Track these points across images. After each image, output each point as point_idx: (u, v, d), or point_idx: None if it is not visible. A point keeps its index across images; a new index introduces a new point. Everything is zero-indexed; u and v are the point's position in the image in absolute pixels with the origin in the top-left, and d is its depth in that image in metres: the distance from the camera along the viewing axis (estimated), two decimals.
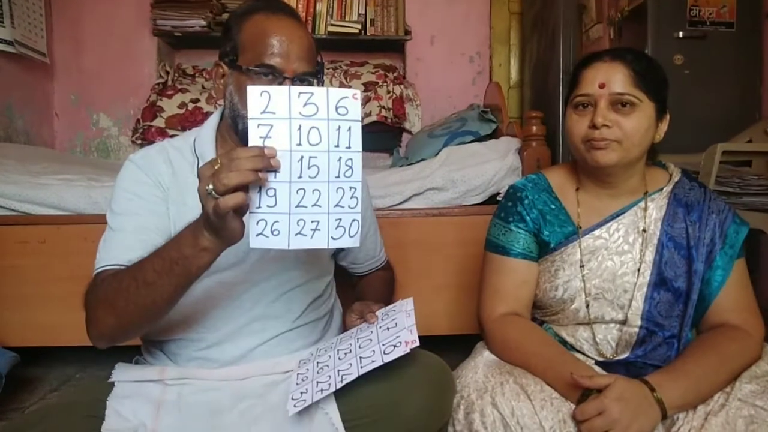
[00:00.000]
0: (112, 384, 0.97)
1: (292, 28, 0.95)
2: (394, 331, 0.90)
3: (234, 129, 0.98)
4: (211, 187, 0.71)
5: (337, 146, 0.76)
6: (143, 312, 0.84)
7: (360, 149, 0.78)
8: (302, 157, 0.75)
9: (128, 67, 2.87)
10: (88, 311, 0.89)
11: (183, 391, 0.95)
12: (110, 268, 0.90)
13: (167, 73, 2.77)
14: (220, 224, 0.74)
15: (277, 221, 0.75)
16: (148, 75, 2.84)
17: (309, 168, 0.76)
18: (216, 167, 0.72)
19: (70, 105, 2.86)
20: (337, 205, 0.77)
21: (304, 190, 0.76)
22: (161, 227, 0.95)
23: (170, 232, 0.95)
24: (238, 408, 0.93)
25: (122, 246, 0.91)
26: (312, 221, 0.76)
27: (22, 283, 1.62)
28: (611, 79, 0.95)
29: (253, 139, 0.74)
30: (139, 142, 2.60)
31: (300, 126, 0.75)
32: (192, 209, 0.96)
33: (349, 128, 0.77)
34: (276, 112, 0.75)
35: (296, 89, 0.75)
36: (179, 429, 0.90)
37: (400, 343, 0.86)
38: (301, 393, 0.88)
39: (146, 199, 0.96)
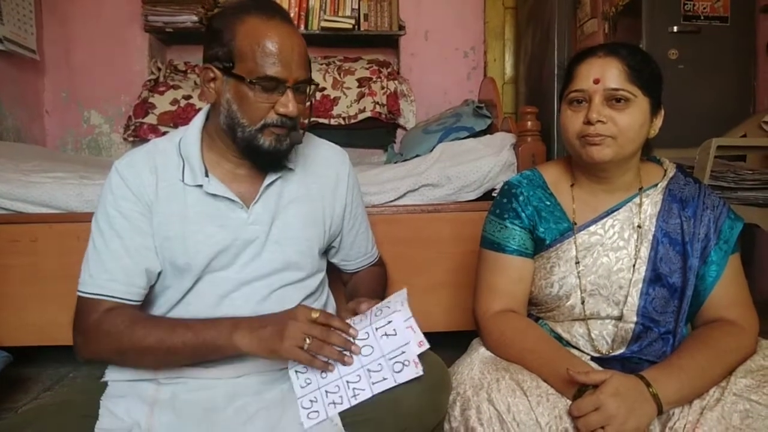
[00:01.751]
0: (106, 383, 0.97)
1: (291, 35, 0.93)
2: (395, 341, 0.89)
3: (231, 138, 0.96)
4: (309, 342, 0.86)
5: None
6: (153, 366, 0.95)
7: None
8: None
9: (119, 64, 2.84)
10: (83, 336, 0.94)
11: (177, 389, 0.95)
12: (98, 298, 0.94)
13: (159, 69, 2.75)
14: (274, 354, 0.88)
15: (316, 398, 0.89)
16: (139, 71, 2.82)
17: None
18: (315, 318, 0.88)
19: (61, 102, 2.84)
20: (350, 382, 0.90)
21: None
22: (145, 247, 0.96)
23: (153, 246, 0.97)
24: (232, 406, 0.93)
25: (107, 274, 0.94)
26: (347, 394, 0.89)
27: (13, 283, 1.60)
28: (606, 74, 0.95)
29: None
30: (131, 139, 2.58)
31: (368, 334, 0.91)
32: (175, 216, 0.96)
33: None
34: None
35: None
36: (174, 428, 0.90)
37: (409, 362, 0.87)
38: (311, 402, 0.89)
39: (129, 218, 0.96)
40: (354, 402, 0.87)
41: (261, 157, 0.97)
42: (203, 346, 0.89)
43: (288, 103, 0.92)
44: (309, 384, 0.90)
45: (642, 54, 0.98)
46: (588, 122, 0.95)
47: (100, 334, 0.92)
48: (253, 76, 0.90)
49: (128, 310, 0.94)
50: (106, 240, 0.95)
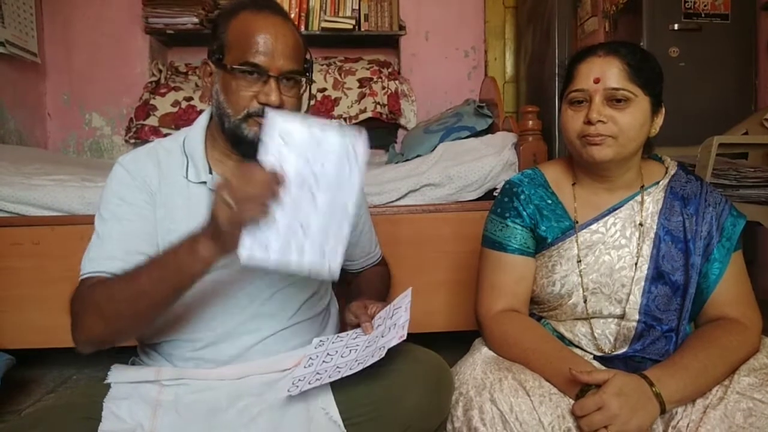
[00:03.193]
0: (109, 385, 0.96)
1: (278, 26, 0.93)
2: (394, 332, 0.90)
3: (221, 128, 0.97)
4: (230, 200, 0.75)
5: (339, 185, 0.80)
6: (134, 318, 0.87)
7: (354, 194, 0.81)
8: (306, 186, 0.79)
9: (120, 66, 2.85)
10: (74, 318, 0.91)
11: (180, 391, 0.95)
12: (94, 275, 0.92)
13: (160, 71, 2.75)
14: (229, 235, 0.77)
15: (268, 241, 0.78)
16: (140, 73, 2.83)
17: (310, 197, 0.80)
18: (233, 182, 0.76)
19: (63, 105, 2.84)
20: (325, 233, 0.80)
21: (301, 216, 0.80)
22: (147, 232, 0.95)
23: (156, 236, 0.96)
24: (235, 407, 0.93)
25: (105, 254, 0.93)
26: (298, 245, 0.79)
27: (16, 285, 1.61)
28: (606, 73, 0.94)
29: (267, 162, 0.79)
30: (133, 141, 2.59)
31: (308, 158, 0.79)
32: (179, 210, 0.96)
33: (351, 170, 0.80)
34: (289, 141, 0.78)
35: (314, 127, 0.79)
36: (177, 429, 0.89)
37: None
38: (300, 380, 0.89)
39: (133, 204, 0.96)
40: (336, 377, 0.86)
41: (246, 147, 0.95)
42: (170, 273, 0.83)
43: (270, 93, 0.92)
44: (309, 368, 0.92)
45: (642, 53, 0.98)
46: (588, 122, 0.95)
47: (85, 309, 0.88)
48: (236, 63, 0.92)
49: (104, 277, 0.90)
50: (108, 226, 0.95)
